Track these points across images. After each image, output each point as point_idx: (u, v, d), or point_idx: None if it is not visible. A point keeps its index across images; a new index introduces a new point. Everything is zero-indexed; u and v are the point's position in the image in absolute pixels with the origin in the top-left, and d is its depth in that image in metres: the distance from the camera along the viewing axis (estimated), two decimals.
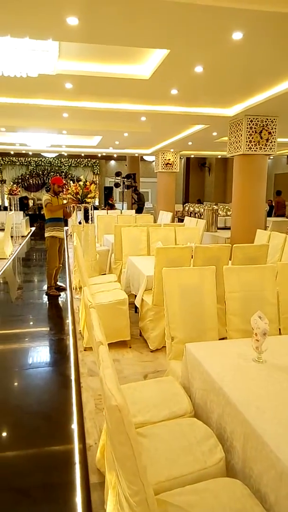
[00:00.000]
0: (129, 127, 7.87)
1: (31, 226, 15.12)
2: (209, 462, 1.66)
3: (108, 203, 13.18)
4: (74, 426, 2.72)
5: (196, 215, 10.92)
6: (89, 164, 19.70)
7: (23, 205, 14.48)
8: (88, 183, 6.07)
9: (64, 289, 6.26)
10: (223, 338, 3.06)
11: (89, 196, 6.02)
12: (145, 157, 15.14)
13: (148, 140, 9.96)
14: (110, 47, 4.16)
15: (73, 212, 6.44)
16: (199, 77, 4.68)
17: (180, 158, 16.86)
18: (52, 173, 19.30)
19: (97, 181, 19.58)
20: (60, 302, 5.84)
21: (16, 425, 2.76)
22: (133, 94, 5.57)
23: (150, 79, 4.72)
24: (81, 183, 6.04)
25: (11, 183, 18.09)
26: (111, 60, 4.54)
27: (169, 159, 11.62)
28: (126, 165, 16.21)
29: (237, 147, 6.84)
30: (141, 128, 7.88)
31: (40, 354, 4.01)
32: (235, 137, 6.89)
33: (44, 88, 5.27)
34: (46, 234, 6.11)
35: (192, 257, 3.99)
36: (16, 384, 3.39)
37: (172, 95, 5.42)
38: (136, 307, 4.87)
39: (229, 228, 8.00)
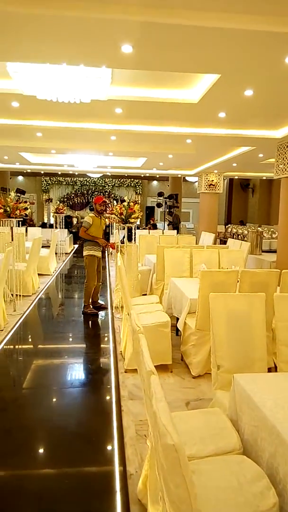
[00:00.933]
0: (174, 149, 7.96)
1: (74, 244, 15.53)
2: (262, 507, 1.54)
3: (150, 223, 13.30)
4: (115, 451, 2.65)
5: (239, 237, 10.71)
6: (132, 184, 20.07)
7: (67, 223, 14.96)
8: (132, 204, 6.15)
9: (104, 308, 6.29)
10: (270, 368, 2.91)
11: (133, 216, 6.09)
12: (187, 178, 15.21)
13: (192, 162, 10.01)
14: (160, 72, 4.26)
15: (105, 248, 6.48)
16: (249, 100, 4.66)
17: (224, 179, 16.78)
18: (96, 193, 19.85)
19: (139, 201, 19.88)
20: (100, 321, 5.87)
21: (55, 446, 2.74)
22: (180, 117, 5.64)
23: (198, 103, 4.76)
24: (125, 203, 6.13)
25: (57, 201, 18.79)
26: (161, 85, 4.64)
27: (213, 180, 11.58)
28: (168, 185, 16.34)
29: (285, 169, 6.68)
30: (186, 150, 7.94)
31: (80, 373, 4.01)
32: (283, 159, 6.75)
33: (95, 113, 5.47)
34: (85, 253, 6.06)
35: (238, 282, 3.88)
36: (56, 403, 3.39)
37: (219, 118, 5.43)
38: (177, 330, 4.78)
39: (274, 251, 7.76)
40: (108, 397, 3.43)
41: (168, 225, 13.78)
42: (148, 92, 4.73)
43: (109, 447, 2.71)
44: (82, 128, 6.19)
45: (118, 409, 3.21)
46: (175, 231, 11.62)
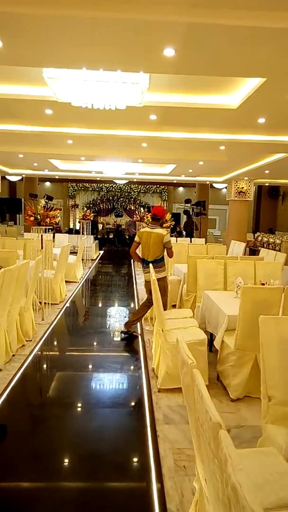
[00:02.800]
0: (206, 156, 7.75)
1: (99, 250, 15.50)
2: None
3: (176, 231, 13.09)
4: (153, 485, 2.44)
5: (270, 246, 10.33)
6: (158, 191, 19.93)
7: (93, 229, 14.95)
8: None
9: (136, 337, 5.35)
10: None
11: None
12: (214, 184, 14.93)
13: (222, 168, 9.75)
14: (199, 77, 4.08)
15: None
16: None
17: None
18: (121, 199, 19.83)
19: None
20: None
21: (89, 477, 2.56)
22: (216, 124, 5.43)
23: (237, 109, 4.55)
24: None
25: (83, 207, 18.86)
26: (199, 90, 4.46)
27: (243, 187, 11.26)
28: (195, 192, 16.10)
29: None
30: (218, 157, 7.71)
31: (111, 391, 3.83)
32: None
33: (128, 120, 5.34)
34: (161, 275, 5.02)
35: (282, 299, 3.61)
36: (86, 424, 3.20)
37: (258, 124, 5.19)
38: (211, 346, 4.54)
39: None
40: (142, 421, 3.23)
41: (177, 232, 13.39)
42: (185, 98, 4.56)
43: (147, 481, 2.50)
44: (113, 135, 6.08)
45: (153, 434, 3.00)
46: (203, 239, 11.35)
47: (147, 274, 5.14)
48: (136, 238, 5.17)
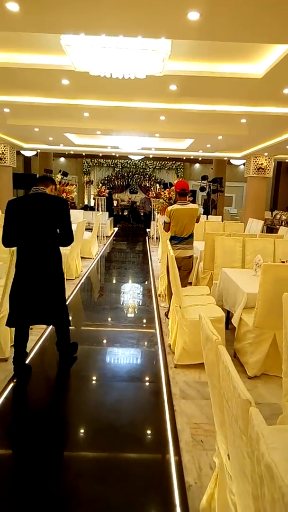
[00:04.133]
0: (225, 130, 7.49)
1: (114, 227, 15.45)
2: None
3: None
4: (171, 458, 2.47)
5: None
6: (173, 167, 19.58)
7: (108, 205, 14.85)
8: None
9: None
10: None
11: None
12: (232, 160, 14.55)
13: (242, 143, 9.45)
14: (223, 44, 3.87)
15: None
16: None
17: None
18: (136, 175, 19.57)
19: None
20: (144, 309, 5.70)
21: (107, 448, 2.59)
22: (238, 95, 5.20)
23: (262, 78, 4.33)
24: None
25: (98, 183, 18.70)
26: (222, 58, 4.25)
27: (262, 164, 10.93)
28: (211, 168, 15.74)
29: None
30: (238, 131, 7.45)
31: (127, 365, 3.86)
32: None
33: (147, 91, 5.16)
34: (192, 252, 5.09)
35: None
36: (104, 397, 3.24)
37: (283, 95, 4.94)
38: (227, 324, 4.51)
39: None
40: (159, 395, 3.24)
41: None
42: (208, 67, 4.35)
43: (164, 454, 2.52)
44: (131, 107, 5.91)
45: (171, 409, 3.02)
46: (220, 217, 11.17)
47: (182, 251, 4.96)
48: (166, 218, 4.90)
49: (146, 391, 3.40)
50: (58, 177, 5.99)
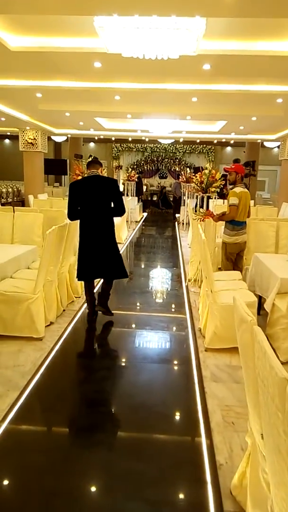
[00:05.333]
0: (260, 111, 7.25)
1: (143, 212, 15.45)
2: None
3: (222, 193, 12.63)
4: (202, 438, 2.51)
5: None
6: (204, 151, 19.21)
7: (138, 190, 14.83)
8: (213, 172, 5.75)
9: None
10: None
11: (214, 185, 5.71)
12: (265, 143, 14.09)
13: (277, 125, 9.12)
14: (257, 21, 3.72)
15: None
16: None
17: None
18: (166, 160, 19.37)
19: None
20: (175, 294, 5.72)
21: (141, 426, 2.66)
22: (273, 73, 5.00)
23: None
24: (206, 171, 5.75)
25: (128, 168, 18.67)
26: (258, 36, 4.10)
27: None
28: (244, 151, 15.33)
29: None
30: (273, 112, 7.19)
31: (159, 348, 3.91)
32: None
33: (180, 71, 5.06)
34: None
35: None
36: (136, 378, 3.31)
37: None
38: (259, 309, 4.46)
39: None
40: (190, 377, 3.28)
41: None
42: (243, 45, 4.20)
43: (195, 433, 2.56)
44: (163, 89, 5.82)
45: (202, 391, 3.05)
46: (252, 201, 10.89)
47: (245, 236, 4.93)
48: (235, 201, 4.72)
49: (177, 373, 3.45)
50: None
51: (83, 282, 4.50)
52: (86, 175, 4.32)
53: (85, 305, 4.60)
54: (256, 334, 1.51)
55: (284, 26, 3.85)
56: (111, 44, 4.08)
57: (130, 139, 17.18)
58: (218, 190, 5.73)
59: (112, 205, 4.08)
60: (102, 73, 5.33)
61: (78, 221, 4.15)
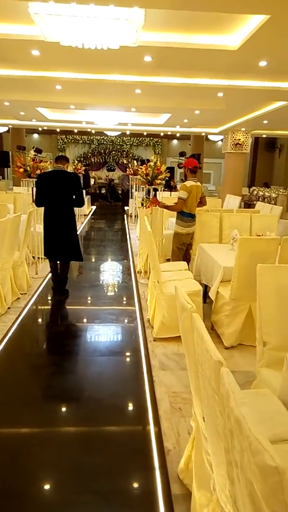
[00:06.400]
0: (203, 104, 7.42)
1: (92, 205, 15.26)
2: None
3: (169, 185, 12.80)
4: (150, 426, 2.56)
5: (265, 200, 10.25)
6: (151, 143, 19.34)
7: (85, 183, 14.58)
8: (158, 164, 5.79)
9: None
10: None
11: (159, 177, 5.75)
12: (210, 137, 14.48)
13: (219, 118, 9.39)
14: (196, 15, 3.78)
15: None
16: None
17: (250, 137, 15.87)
18: (113, 152, 19.23)
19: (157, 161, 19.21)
20: (124, 286, 5.74)
21: (90, 419, 2.66)
22: (214, 67, 5.13)
23: (238, 50, 4.27)
24: (151, 163, 5.78)
25: (74, 161, 18.29)
26: (197, 29, 4.16)
27: (239, 139, 10.94)
28: (189, 144, 15.64)
29: None
30: (215, 105, 7.39)
31: (108, 340, 3.91)
32: None
33: (121, 63, 5.02)
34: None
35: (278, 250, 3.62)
36: (85, 371, 3.30)
37: (259, 68, 4.91)
38: (205, 298, 4.61)
39: None
40: (138, 367, 3.32)
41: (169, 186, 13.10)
42: (183, 38, 4.25)
43: (144, 422, 2.60)
44: (105, 80, 5.74)
45: (150, 379, 3.10)
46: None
47: (193, 227, 5.22)
48: (184, 194, 4.98)
49: (126, 364, 3.48)
50: (31, 153, 5.83)
51: (28, 277, 4.75)
52: (51, 168, 5.09)
53: (32, 301, 4.53)
54: (194, 320, 1.56)
55: (222, 20, 3.94)
56: (48, 32, 3.94)
57: (76, 130, 16.81)
58: (164, 182, 5.79)
59: (74, 197, 4.67)
60: (41, 61, 5.14)
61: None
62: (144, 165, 5.58)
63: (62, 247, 4.75)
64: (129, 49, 4.31)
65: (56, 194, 4.58)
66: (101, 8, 3.52)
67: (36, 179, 4.83)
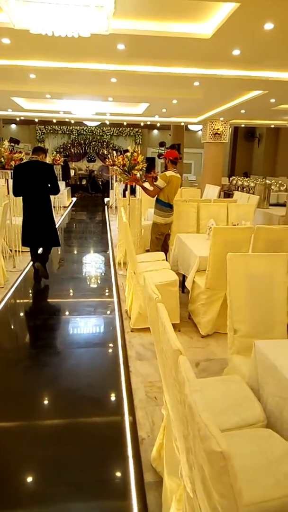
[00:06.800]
0: (180, 93, 7.37)
1: (72, 197, 15.10)
2: None
3: (150, 175, 12.79)
4: (125, 415, 2.58)
5: (244, 189, 10.33)
6: (131, 134, 19.16)
7: (64, 174, 14.39)
8: (135, 154, 5.75)
9: None
10: None
11: (136, 168, 5.71)
12: (190, 127, 14.44)
13: (197, 108, 9.37)
14: (168, 2, 3.73)
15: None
16: (268, 36, 4.15)
17: (229, 127, 15.92)
18: (93, 143, 19.00)
19: (139, 151, 19.07)
20: (103, 277, 5.73)
21: (65, 412, 2.66)
22: (189, 56, 5.09)
23: (211, 38, 4.24)
24: (128, 154, 5.73)
25: (53, 152, 18.00)
26: (169, 17, 4.11)
27: (218, 129, 10.95)
28: (170, 134, 15.58)
29: None
30: (192, 95, 7.36)
31: (85, 332, 3.91)
32: None
33: (94, 51, 4.93)
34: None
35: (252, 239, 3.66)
36: (61, 363, 3.29)
37: (233, 57, 4.89)
38: (183, 288, 4.64)
39: (282, 205, 7.48)
40: (115, 358, 3.34)
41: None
42: (156, 26, 4.19)
43: (119, 412, 2.63)
44: (79, 68, 5.63)
45: (126, 370, 3.13)
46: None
47: (172, 217, 5.28)
48: (162, 183, 5.06)
49: (103, 356, 3.49)
50: (5, 144, 5.70)
51: (4, 271, 4.76)
52: (25, 160, 5.29)
53: (8, 295, 4.46)
54: (159, 310, 1.57)
55: (196, 8, 3.90)
56: (17, 20, 3.82)
57: (54, 121, 16.50)
58: (141, 172, 5.76)
59: (49, 186, 4.96)
60: (12, 50, 4.99)
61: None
62: (121, 156, 5.53)
63: (41, 233, 5.01)
64: (102, 37, 4.23)
65: (32, 183, 4.84)
66: None
67: (12, 171, 5.02)
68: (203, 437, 0.86)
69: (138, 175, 5.39)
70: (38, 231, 4.98)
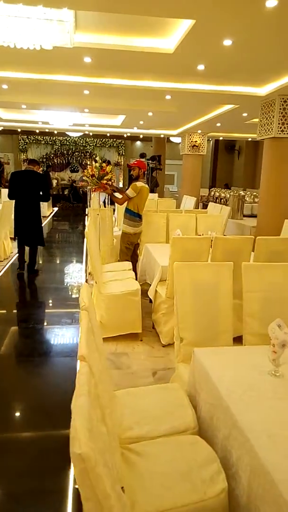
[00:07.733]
0: (154, 106, 7.49)
1: (53, 207, 15.08)
2: (209, 493, 1.45)
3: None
4: None
5: (222, 200, 10.48)
6: (115, 145, 19.32)
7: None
8: (104, 165, 5.81)
9: None
10: (239, 337, 2.80)
11: (105, 178, 5.76)
12: (171, 139, 14.64)
13: (174, 121, 9.53)
14: (130, 17, 3.83)
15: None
16: (228, 52, 4.28)
17: (209, 140, 16.18)
18: (76, 153, 19.07)
19: (122, 162, 19.23)
20: (72, 287, 5.71)
21: (13, 423, 2.64)
22: (156, 70, 5.21)
23: (174, 53, 4.36)
24: (97, 164, 5.78)
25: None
26: (132, 32, 4.21)
27: (196, 141, 11.14)
28: (151, 146, 15.76)
29: (268, 130, 6.38)
30: (166, 108, 7.49)
31: (48, 343, 3.89)
32: (267, 118, 6.42)
33: (62, 63, 5.00)
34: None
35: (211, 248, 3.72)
36: (19, 375, 3.27)
37: (198, 71, 5.03)
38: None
39: (256, 216, 7.60)
40: (73, 368, 3.31)
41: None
42: (119, 40, 4.29)
43: (66, 422, 2.60)
44: (51, 80, 5.70)
45: None
46: (156, 194, 11.29)
47: (137, 228, 5.28)
48: (132, 193, 5.08)
49: (60, 366, 3.46)
50: None
51: None
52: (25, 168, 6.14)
53: None
54: (83, 318, 1.59)
55: (157, 24, 4.00)
56: None
57: (37, 131, 16.55)
58: (110, 183, 5.80)
59: (41, 193, 5.76)
60: None
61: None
62: (89, 166, 5.57)
63: (29, 233, 5.78)
64: (67, 50, 4.31)
65: (26, 189, 5.62)
66: (32, 8, 3.50)
67: (10, 177, 5.80)
68: (72, 439, 0.87)
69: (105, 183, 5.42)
70: (26, 230, 5.74)
